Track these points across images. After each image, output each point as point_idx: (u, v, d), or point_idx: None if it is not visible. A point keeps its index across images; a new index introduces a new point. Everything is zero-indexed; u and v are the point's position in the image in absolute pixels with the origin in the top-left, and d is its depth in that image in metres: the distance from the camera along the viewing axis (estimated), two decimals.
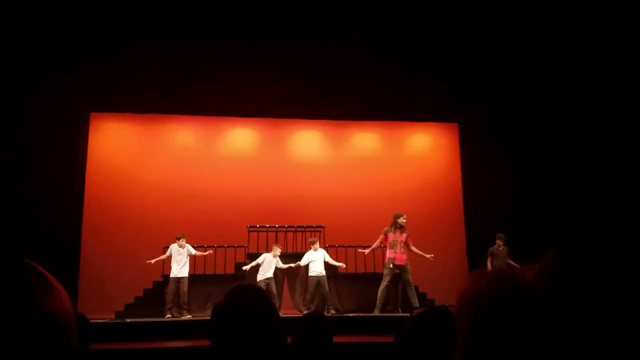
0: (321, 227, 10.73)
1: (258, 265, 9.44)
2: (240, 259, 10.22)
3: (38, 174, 10.46)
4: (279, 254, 9.54)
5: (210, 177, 11.73)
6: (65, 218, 10.61)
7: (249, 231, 10.54)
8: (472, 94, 11.35)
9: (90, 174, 11.22)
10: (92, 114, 11.49)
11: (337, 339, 3.24)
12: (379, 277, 10.32)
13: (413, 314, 1.66)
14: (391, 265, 8.90)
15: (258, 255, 10.17)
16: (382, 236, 9.15)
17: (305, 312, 8.92)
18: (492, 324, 0.53)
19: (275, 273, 9.48)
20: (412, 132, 12.68)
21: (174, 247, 9.48)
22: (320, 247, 9.88)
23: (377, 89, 11.11)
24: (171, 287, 9.31)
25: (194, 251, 9.60)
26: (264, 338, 1.45)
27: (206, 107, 11.51)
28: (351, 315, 9.22)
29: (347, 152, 12.31)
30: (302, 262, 9.50)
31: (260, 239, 10.57)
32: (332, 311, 9.25)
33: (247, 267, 9.46)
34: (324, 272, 9.42)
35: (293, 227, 10.76)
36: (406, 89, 11.20)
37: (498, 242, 10.12)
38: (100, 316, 8.85)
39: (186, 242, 9.55)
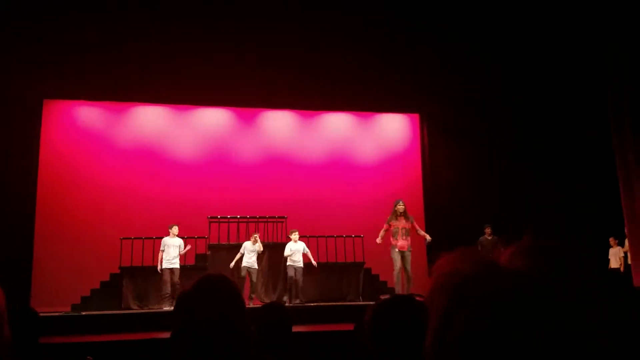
0: (283, 217, 10.71)
1: (242, 256, 9.42)
2: (201, 250, 10.11)
3: None
4: (258, 241, 9.50)
5: (168, 167, 11.50)
6: (18, 209, 10.22)
7: (210, 222, 10.42)
8: (432, 88, 11.50)
9: (43, 164, 10.83)
10: (45, 101, 11.08)
11: (297, 329, 3.25)
12: (341, 267, 10.41)
13: (376, 302, 1.64)
14: (397, 250, 8.88)
15: (220, 246, 10.10)
16: (385, 225, 9.09)
17: (287, 302, 8.99)
18: (466, 306, 0.52)
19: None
20: (377, 123, 12.74)
21: (167, 239, 9.31)
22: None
23: (344, 82, 11.08)
24: (166, 277, 9.11)
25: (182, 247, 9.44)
26: (229, 328, 1.43)
27: (165, 94, 11.21)
28: (312, 304, 9.26)
29: (309, 143, 12.28)
30: (286, 254, 9.50)
31: (222, 230, 10.47)
32: (297, 300, 9.28)
33: (232, 264, 9.38)
34: (301, 264, 9.48)
35: (255, 217, 10.71)
36: (372, 82, 11.22)
37: (486, 231, 10.15)
38: (57, 309, 8.63)
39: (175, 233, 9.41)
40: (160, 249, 9.31)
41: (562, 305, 0.49)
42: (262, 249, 9.52)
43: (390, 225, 9.06)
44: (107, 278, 9.77)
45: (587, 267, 0.53)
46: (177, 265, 9.23)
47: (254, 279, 9.45)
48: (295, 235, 9.61)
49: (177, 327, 1.48)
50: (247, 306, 1.41)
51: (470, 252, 0.58)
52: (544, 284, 0.51)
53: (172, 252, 9.22)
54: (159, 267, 9.20)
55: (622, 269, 10.32)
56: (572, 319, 0.49)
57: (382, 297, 1.67)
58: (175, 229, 9.39)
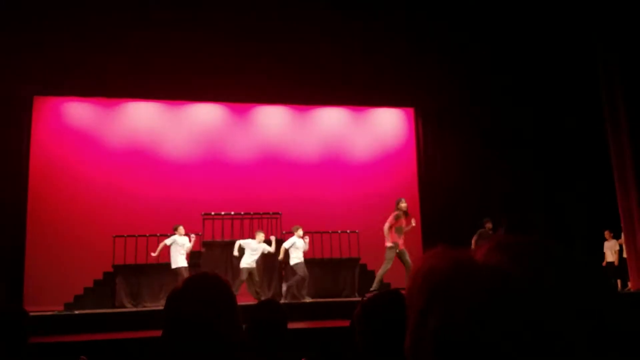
0: (278, 214, 10.65)
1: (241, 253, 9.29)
2: (195, 247, 10.03)
3: None
4: (263, 239, 9.36)
5: (161, 164, 11.39)
6: (8, 207, 10.10)
7: (204, 219, 10.35)
8: (427, 82, 11.47)
9: (34, 161, 10.71)
10: (36, 98, 10.94)
11: (293, 325, 3.20)
12: (336, 262, 10.37)
13: (364, 297, 1.62)
14: (397, 251, 8.75)
15: (213, 243, 10.02)
16: (393, 222, 8.80)
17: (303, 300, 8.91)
18: (440, 305, 0.52)
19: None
20: (371, 117, 12.67)
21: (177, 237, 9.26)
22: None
23: (339, 75, 11.02)
24: (182, 276, 9.01)
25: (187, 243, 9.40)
26: (221, 327, 1.39)
27: (158, 90, 11.08)
28: (308, 301, 9.21)
29: (303, 138, 12.20)
30: (287, 245, 9.34)
31: (216, 227, 10.40)
32: (307, 296, 9.21)
33: (236, 254, 9.30)
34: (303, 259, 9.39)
35: (249, 213, 10.64)
36: (367, 75, 11.16)
37: (487, 225, 10.03)
38: (49, 308, 8.55)
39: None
40: (168, 242, 9.21)
41: (533, 302, 0.49)
42: (267, 251, 9.37)
43: (397, 223, 8.90)
44: (100, 276, 9.69)
45: (567, 262, 0.52)
46: (186, 264, 9.21)
47: (257, 278, 9.29)
48: (300, 232, 9.47)
49: (166, 326, 1.44)
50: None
51: (449, 250, 0.58)
52: (516, 281, 0.51)
53: (183, 250, 9.20)
54: (156, 252, 9.17)
55: (616, 263, 10.32)
56: (544, 316, 0.48)
57: (370, 292, 1.65)
58: (181, 229, 9.33)
